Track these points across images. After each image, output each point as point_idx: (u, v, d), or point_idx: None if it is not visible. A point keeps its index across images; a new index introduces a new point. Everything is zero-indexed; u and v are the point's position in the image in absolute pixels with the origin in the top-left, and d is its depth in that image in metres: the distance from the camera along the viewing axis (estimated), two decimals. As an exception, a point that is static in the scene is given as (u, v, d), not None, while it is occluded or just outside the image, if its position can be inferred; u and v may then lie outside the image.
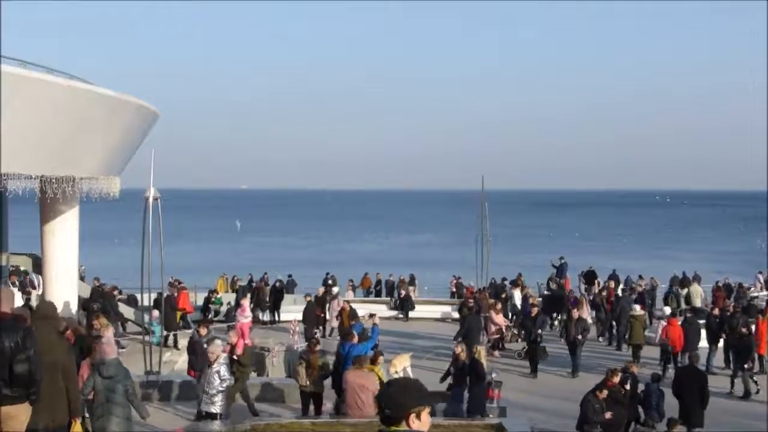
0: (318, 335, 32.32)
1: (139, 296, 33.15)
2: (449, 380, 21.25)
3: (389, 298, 45.97)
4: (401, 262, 76.75)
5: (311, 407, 20.30)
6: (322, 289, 38.05)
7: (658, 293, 45.94)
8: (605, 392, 18.68)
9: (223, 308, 40.18)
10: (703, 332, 29.73)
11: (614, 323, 34.97)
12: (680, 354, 28.05)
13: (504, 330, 33.48)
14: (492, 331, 32.91)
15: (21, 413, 10.12)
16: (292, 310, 38.38)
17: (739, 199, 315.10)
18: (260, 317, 40.79)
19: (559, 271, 48.49)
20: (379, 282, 51.66)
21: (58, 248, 27.48)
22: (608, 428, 18.36)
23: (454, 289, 46.32)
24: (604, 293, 37.97)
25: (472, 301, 35.78)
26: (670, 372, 25.80)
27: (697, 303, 41.40)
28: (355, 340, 21.04)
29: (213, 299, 39.59)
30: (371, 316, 23.06)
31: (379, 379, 18.89)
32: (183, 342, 29.44)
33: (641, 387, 21.14)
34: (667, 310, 35.23)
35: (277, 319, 40.04)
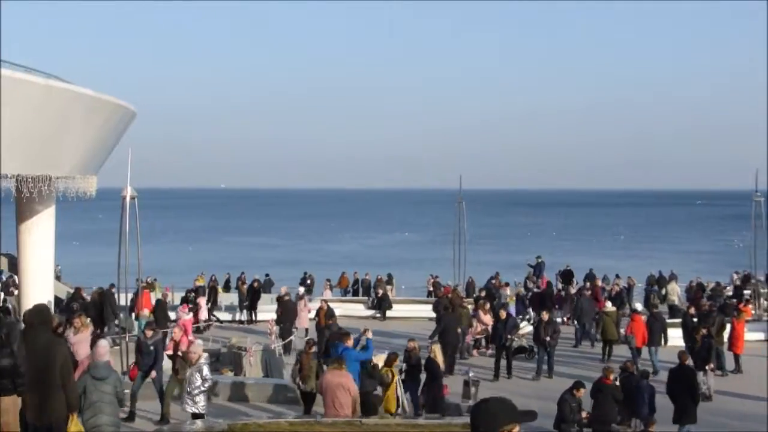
0: (295, 336, 32.35)
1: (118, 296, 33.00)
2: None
3: (366, 298, 45.96)
4: (379, 262, 76.89)
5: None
6: (284, 289, 37.77)
7: (635, 293, 46.14)
8: (582, 391, 18.76)
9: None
10: (679, 331, 30.01)
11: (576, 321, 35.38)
12: (647, 348, 29.10)
13: (490, 330, 33.34)
14: (478, 330, 32.90)
15: (10, 405, 10.82)
16: (269, 310, 38.32)
17: (725, 198, 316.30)
18: (237, 316, 40.85)
19: (536, 271, 48.58)
20: (356, 281, 51.70)
21: (35, 248, 27.38)
22: (602, 426, 18.42)
23: (431, 288, 46.33)
24: (589, 293, 38.20)
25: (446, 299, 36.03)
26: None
27: (675, 301, 41.64)
28: (350, 342, 20.97)
29: (190, 298, 39.55)
30: (365, 331, 22.83)
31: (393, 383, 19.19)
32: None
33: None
34: (639, 306, 35.46)
35: (254, 318, 39.99)
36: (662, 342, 29.55)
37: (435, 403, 20.71)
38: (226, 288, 49.31)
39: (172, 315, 33.10)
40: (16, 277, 32.24)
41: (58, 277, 40.10)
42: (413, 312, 41.03)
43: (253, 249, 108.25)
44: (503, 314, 29.72)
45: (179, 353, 20.29)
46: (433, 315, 34.75)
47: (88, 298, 33.94)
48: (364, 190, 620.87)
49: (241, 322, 40.30)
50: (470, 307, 35.04)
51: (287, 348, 31.68)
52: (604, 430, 17.69)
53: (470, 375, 23.54)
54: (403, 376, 21.27)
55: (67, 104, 21.80)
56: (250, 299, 40.69)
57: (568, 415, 18.32)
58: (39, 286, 27.43)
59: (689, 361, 22.36)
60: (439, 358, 21.53)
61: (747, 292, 44.50)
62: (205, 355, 18.06)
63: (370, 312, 42.79)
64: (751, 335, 32.66)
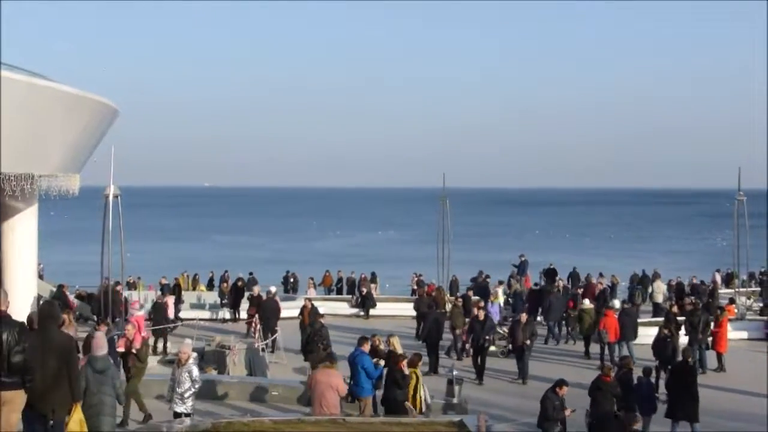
0: (279, 335, 32.27)
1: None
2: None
3: (350, 296, 45.99)
4: (362, 260, 76.92)
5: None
6: (257, 289, 37.66)
7: (618, 291, 46.39)
8: (565, 389, 18.79)
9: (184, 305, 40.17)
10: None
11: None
12: (617, 343, 29.80)
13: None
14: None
15: (17, 398, 11.71)
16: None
17: (709, 197, 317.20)
18: (219, 315, 40.80)
19: (520, 270, 48.67)
20: (340, 279, 51.75)
21: (17, 246, 27.24)
22: (602, 423, 18.45)
23: (415, 287, 46.38)
24: (580, 291, 38.55)
25: (428, 297, 36.25)
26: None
27: (659, 299, 41.87)
28: (367, 347, 20.73)
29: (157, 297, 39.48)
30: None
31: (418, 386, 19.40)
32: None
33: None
34: (616, 303, 35.76)
35: (237, 317, 39.91)
36: (633, 336, 30.24)
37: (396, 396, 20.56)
38: (210, 286, 49.31)
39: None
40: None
41: (40, 276, 39.97)
42: (397, 310, 41.06)
43: (237, 247, 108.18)
44: (481, 314, 29.30)
45: (133, 350, 20.05)
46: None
47: (71, 296, 33.91)
48: (347, 189, 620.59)
49: (224, 320, 40.22)
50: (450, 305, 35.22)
51: (272, 346, 31.66)
52: (603, 428, 17.71)
53: (454, 374, 23.55)
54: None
55: (49, 102, 21.70)
56: (234, 298, 40.60)
57: (551, 413, 18.33)
58: (22, 285, 27.27)
59: (691, 359, 22.49)
60: (399, 350, 21.29)
61: (730, 290, 44.79)
62: (194, 355, 18.06)
63: (354, 310, 42.85)
64: (734, 334, 32.82)
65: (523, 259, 49.82)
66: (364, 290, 43.35)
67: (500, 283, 43.14)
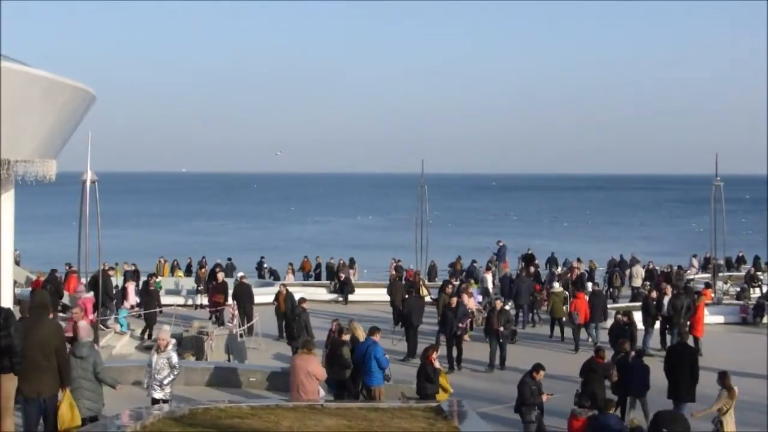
0: (256, 320, 32.19)
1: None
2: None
3: (329, 282, 46.02)
4: (341, 246, 76.91)
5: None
6: (221, 275, 37.47)
7: (596, 276, 46.62)
8: (542, 373, 18.87)
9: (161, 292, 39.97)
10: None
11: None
12: (586, 325, 30.76)
13: (475, 313, 33.27)
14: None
15: (7, 381, 12.30)
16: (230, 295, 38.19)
17: (687, 183, 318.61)
18: (197, 301, 40.69)
19: (498, 255, 48.79)
20: (318, 265, 51.82)
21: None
22: (593, 404, 18.58)
23: (394, 272, 46.49)
24: (567, 275, 38.86)
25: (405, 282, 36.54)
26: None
27: (638, 284, 42.16)
28: (378, 337, 20.81)
29: (153, 283, 39.28)
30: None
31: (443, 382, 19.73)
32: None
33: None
34: (589, 285, 36.15)
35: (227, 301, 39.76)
36: (603, 318, 31.11)
37: (355, 382, 20.56)
38: (188, 272, 49.21)
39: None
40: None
41: (17, 262, 39.81)
42: (376, 296, 41.04)
43: (215, 233, 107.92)
44: (453, 302, 28.93)
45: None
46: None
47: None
48: (325, 174, 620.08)
49: (201, 306, 40.11)
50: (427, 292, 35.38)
51: (250, 331, 31.65)
52: (594, 408, 17.83)
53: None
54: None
55: (24, 86, 21.54)
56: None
57: (528, 398, 18.40)
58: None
59: (690, 340, 22.69)
60: (360, 335, 21.26)
61: (707, 275, 45.10)
62: (173, 341, 18.00)
63: (333, 296, 42.89)
64: (710, 319, 33.01)
65: (501, 244, 49.92)
66: (343, 276, 43.37)
67: (488, 269, 43.12)
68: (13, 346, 12.04)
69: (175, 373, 17.39)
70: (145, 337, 31.79)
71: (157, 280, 39.56)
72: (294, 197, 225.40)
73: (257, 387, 21.93)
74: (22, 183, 25.55)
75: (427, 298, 36.36)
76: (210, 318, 34.58)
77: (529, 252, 50.03)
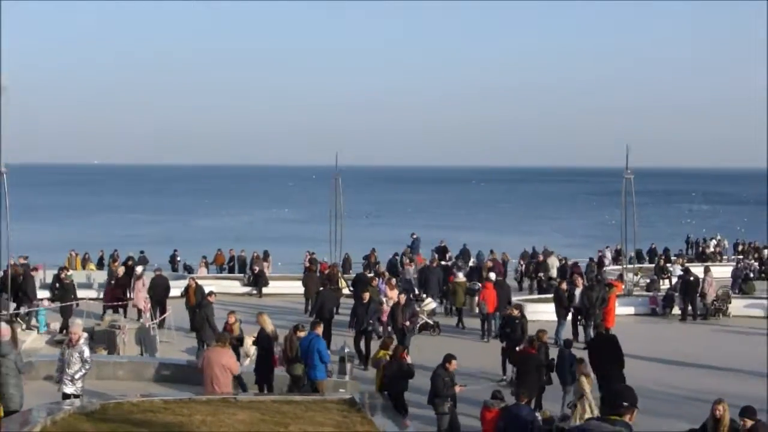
0: (169, 314, 31.97)
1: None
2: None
3: (242, 275, 45.85)
4: (255, 238, 76.64)
5: None
6: (122, 269, 36.94)
7: (509, 268, 47.05)
8: (454, 363, 18.99)
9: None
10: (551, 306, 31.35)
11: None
12: (492, 314, 31.08)
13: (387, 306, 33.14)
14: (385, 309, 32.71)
15: None
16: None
17: (600, 176, 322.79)
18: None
19: (412, 247, 49.02)
20: (232, 258, 51.54)
21: None
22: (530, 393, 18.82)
23: (308, 264, 46.46)
24: (435, 265, 39.27)
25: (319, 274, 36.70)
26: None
27: (554, 274, 42.68)
28: (320, 329, 21.01)
29: (65, 276, 38.71)
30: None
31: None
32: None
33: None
34: (492, 276, 36.60)
35: (129, 296, 39.38)
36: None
37: (267, 376, 20.56)
38: (100, 266, 48.62)
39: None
40: None
41: None
42: (290, 289, 40.95)
43: (128, 226, 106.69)
44: (366, 296, 28.21)
45: None
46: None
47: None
48: (238, 166, 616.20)
49: (130, 298, 39.61)
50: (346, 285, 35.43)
51: (161, 325, 31.43)
52: (530, 399, 18.04)
53: (346, 351, 23.64)
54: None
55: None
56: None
57: (441, 390, 18.45)
58: None
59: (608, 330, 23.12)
60: (268, 328, 21.22)
61: (618, 267, 45.81)
62: (85, 335, 17.87)
63: (247, 289, 42.72)
64: (621, 310, 33.52)
65: (415, 237, 50.17)
66: (257, 269, 43.20)
67: (410, 261, 43.26)
68: None
69: (87, 367, 17.23)
70: (65, 332, 31.36)
71: (69, 273, 39.01)
72: (208, 189, 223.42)
73: (170, 380, 21.81)
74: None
75: (345, 291, 36.51)
76: (116, 312, 33.73)
77: (443, 244, 50.34)
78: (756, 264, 50.85)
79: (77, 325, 18.03)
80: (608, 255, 53.95)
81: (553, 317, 30.81)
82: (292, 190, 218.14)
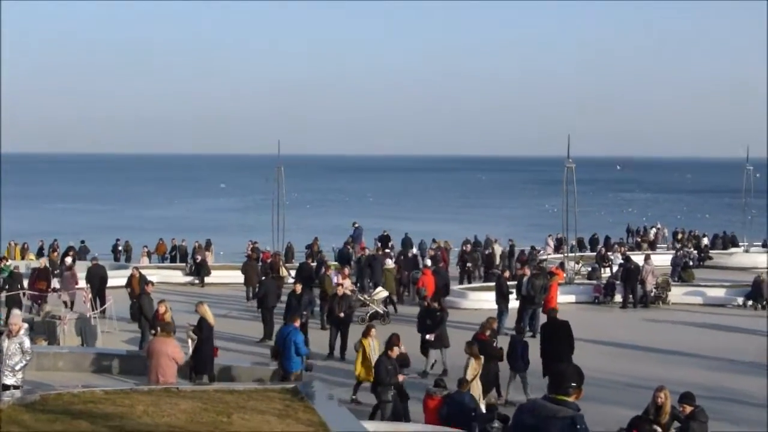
0: (110, 303, 31.71)
1: None
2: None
3: (184, 264, 45.66)
4: (197, 227, 76.25)
5: None
6: (44, 261, 36.36)
7: (451, 256, 47.24)
8: (396, 351, 19.05)
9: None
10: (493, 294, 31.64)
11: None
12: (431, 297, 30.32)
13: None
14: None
15: None
16: (82, 278, 37.49)
17: (541, 165, 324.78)
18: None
19: (354, 237, 49.08)
20: (174, 247, 51.32)
21: None
22: (487, 384, 18.89)
23: (250, 253, 46.38)
24: (381, 254, 39.47)
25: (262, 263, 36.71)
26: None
27: (497, 262, 43.03)
28: (298, 323, 21.24)
29: (2, 267, 38.30)
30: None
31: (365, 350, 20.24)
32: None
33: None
34: (428, 262, 36.90)
35: (52, 287, 38.94)
36: (444, 295, 32.77)
37: (205, 365, 20.36)
38: (39, 255, 48.15)
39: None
40: None
41: None
42: (232, 278, 40.80)
43: (66, 215, 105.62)
44: (298, 288, 27.89)
45: None
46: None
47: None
48: (177, 155, 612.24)
49: (54, 290, 39.26)
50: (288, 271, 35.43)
51: (102, 315, 31.19)
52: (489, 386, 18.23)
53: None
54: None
55: None
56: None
57: (384, 378, 18.47)
58: None
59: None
60: (210, 318, 21.08)
61: (560, 256, 46.19)
62: (26, 326, 17.64)
63: (189, 278, 42.56)
64: (562, 298, 33.80)
65: (356, 226, 50.25)
66: (199, 258, 43.03)
67: (362, 249, 43.24)
68: None
69: (28, 358, 17.03)
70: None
71: (8, 263, 38.55)
72: (145, 179, 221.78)
73: (111, 371, 21.64)
74: None
75: (289, 280, 36.47)
76: (34, 304, 32.85)
77: (385, 233, 50.46)
78: (695, 252, 51.45)
79: (16, 315, 17.79)
80: (550, 243, 54.40)
81: (494, 305, 30.95)
82: (234, 179, 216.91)
